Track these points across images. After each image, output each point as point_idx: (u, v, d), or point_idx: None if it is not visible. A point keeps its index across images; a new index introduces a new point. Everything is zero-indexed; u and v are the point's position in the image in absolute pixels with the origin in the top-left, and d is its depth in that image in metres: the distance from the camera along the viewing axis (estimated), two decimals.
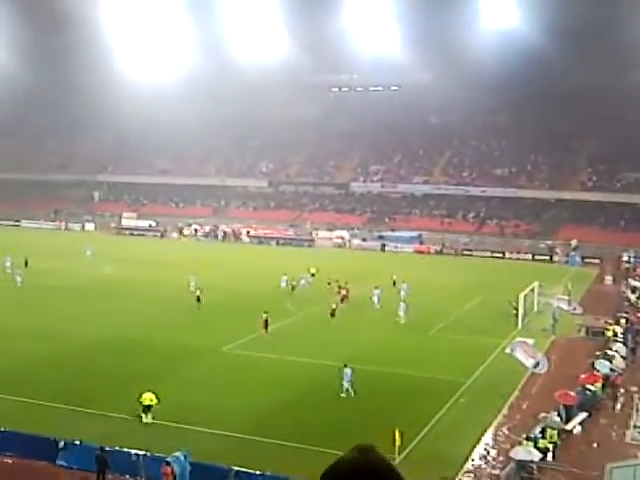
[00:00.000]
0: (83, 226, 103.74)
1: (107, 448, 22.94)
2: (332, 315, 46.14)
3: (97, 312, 46.38)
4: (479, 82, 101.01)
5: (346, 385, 31.13)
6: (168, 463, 21.96)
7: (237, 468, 22.26)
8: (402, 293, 52.44)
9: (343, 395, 31.09)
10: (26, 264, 61.55)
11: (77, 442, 23.91)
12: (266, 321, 41.75)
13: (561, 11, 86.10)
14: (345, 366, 31.57)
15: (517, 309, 46.67)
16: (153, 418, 27.63)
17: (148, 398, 27.65)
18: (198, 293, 49.16)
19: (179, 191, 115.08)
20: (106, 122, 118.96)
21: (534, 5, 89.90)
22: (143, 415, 27.51)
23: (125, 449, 23.42)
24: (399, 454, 24.54)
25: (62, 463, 23.66)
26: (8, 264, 60.62)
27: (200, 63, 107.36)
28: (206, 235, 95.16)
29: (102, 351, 37.04)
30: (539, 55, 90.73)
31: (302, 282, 54.80)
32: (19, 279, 54.18)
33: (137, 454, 23.14)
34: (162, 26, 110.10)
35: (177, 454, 22.36)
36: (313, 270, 60.59)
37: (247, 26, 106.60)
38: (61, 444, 23.84)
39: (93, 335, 40.02)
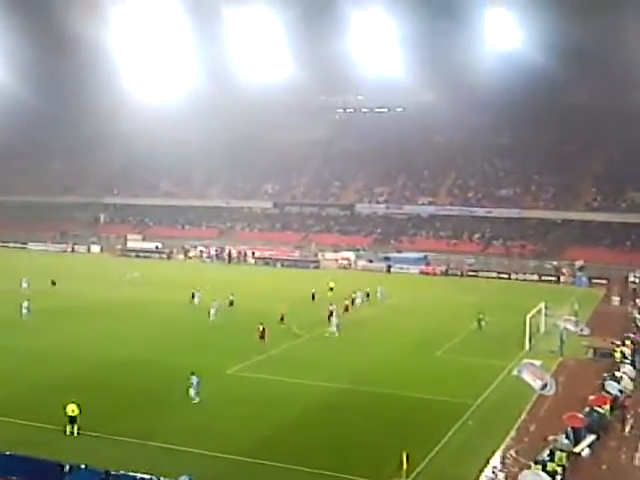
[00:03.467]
0: (89, 248, 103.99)
1: (112, 472, 22.75)
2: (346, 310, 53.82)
3: (104, 333, 46.45)
4: (483, 103, 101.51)
5: (193, 392, 32.25)
6: None
7: None
8: (378, 295, 62.45)
9: (195, 402, 32.01)
10: (53, 284, 64.07)
11: (82, 466, 23.72)
12: (262, 331, 43.12)
13: (564, 32, 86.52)
14: (192, 374, 32.61)
15: (481, 322, 49.88)
16: (79, 429, 27.59)
17: (70, 409, 27.63)
18: (231, 297, 55.62)
19: (184, 213, 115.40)
20: (112, 145, 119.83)
21: (537, 26, 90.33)
22: (68, 427, 27.57)
23: (130, 473, 23.22)
24: (407, 477, 24.33)
25: None
26: (25, 285, 61.36)
27: (205, 85, 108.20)
28: (211, 257, 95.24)
29: (108, 373, 36.87)
30: (543, 75, 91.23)
31: (213, 310, 52.20)
32: (25, 312, 50.55)
33: (142, 478, 22.93)
34: (168, 48, 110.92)
35: (182, 478, 22.17)
36: (332, 284, 64.15)
37: (252, 48, 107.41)
38: (66, 468, 23.63)
39: (99, 357, 39.98)
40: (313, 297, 60.65)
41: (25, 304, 51.26)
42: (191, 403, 32.48)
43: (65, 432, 27.68)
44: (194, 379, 32.57)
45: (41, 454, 24.67)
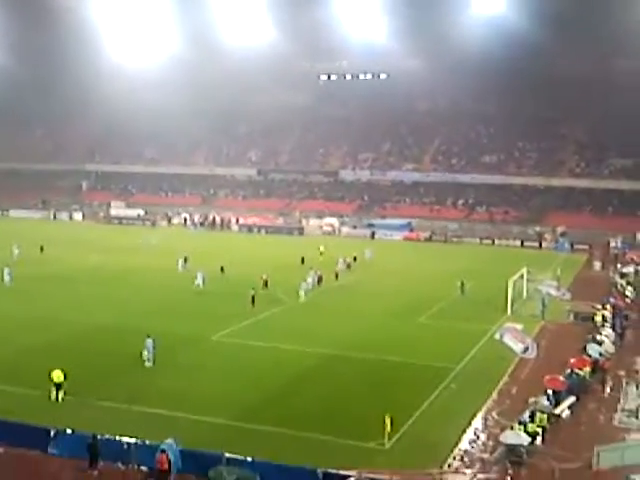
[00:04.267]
0: (71, 215, 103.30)
1: (99, 436, 22.94)
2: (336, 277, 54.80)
3: (91, 300, 46.48)
4: (467, 69, 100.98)
5: (147, 355, 32.67)
6: (164, 451, 21.92)
7: (228, 455, 22.30)
8: (367, 255, 66.25)
9: (148, 364, 32.47)
10: (42, 250, 64.96)
11: (69, 431, 23.89)
12: (253, 297, 44.62)
13: None
14: (148, 337, 33.04)
15: (464, 287, 50.58)
16: (64, 394, 27.82)
17: (56, 375, 27.85)
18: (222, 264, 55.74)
19: (168, 180, 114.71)
20: (93, 111, 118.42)
21: None
22: (53, 393, 27.79)
23: (117, 437, 23.43)
24: (389, 439, 24.70)
25: (53, 452, 23.63)
26: (16, 251, 61.98)
27: (187, 51, 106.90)
28: (195, 224, 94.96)
29: (94, 339, 36.94)
30: (527, 42, 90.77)
31: (199, 279, 50.62)
32: (7, 278, 50.83)
33: (129, 442, 23.14)
34: (149, 14, 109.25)
35: (167, 441, 22.36)
36: (322, 248, 65.69)
37: (235, 13, 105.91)
38: (52, 433, 23.81)
39: (84, 323, 40.00)
40: (302, 261, 61.29)
41: (7, 270, 51.35)
42: (177, 368, 32.75)
43: (50, 398, 27.80)
44: (149, 342, 32.78)
45: (26, 420, 24.78)
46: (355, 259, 63.23)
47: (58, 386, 27.90)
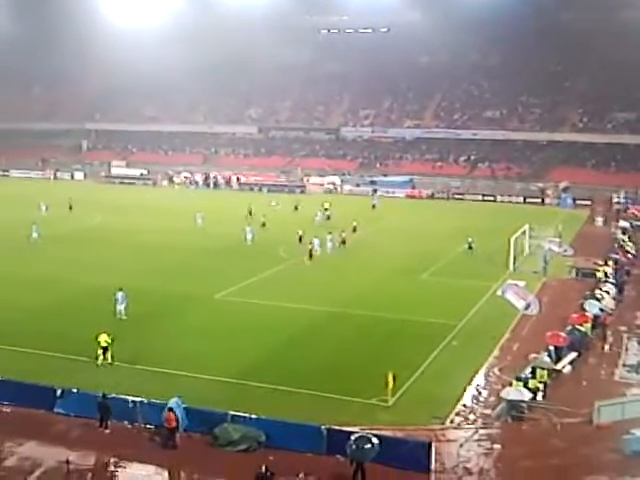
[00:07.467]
0: (72, 175, 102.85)
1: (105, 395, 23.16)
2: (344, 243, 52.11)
3: (94, 260, 46.41)
4: (469, 22, 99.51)
5: (119, 308, 33.33)
6: (171, 409, 22.12)
7: (233, 412, 22.53)
8: (376, 202, 73.42)
9: (119, 317, 33.17)
10: (70, 208, 66.22)
11: (75, 390, 24.12)
12: (310, 250, 47.07)
13: None
14: (120, 290, 33.68)
15: (471, 245, 50.79)
16: (112, 358, 28.16)
17: (104, 340, 28.26)
18: (263, 219, 58.45)
19: (168, 138, 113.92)
20: (91, 69, 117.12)
21: None
22: (101, 357, 28.21)
23: (122, 396, 23.64)
24: (392, 396, 24.93)
25: (60, 411, 23.89)
26: (43, 208, 64.18)
27: (185, 7, 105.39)
28: (196, 183, 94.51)
29: (97, 299, 36.86)
30: None
31: (250, 235, 52.62)
32: (35, 235, 51.90)
33: (134, 401, 23.36)
34: None
35: (173, 400, 22.57)
36: (327, 205, 66.22)
37: None
38: (58, 392, 24.04)
39: (89, 284, 39.93)
40: (296, 208, 68.03)
41: (34, 227, 52.60)
42: (180, 328, 32.95)
43: (97, 360, 28.12)
44: (119, 295, 33.31)
45: (40, 381, 24.96)
46: (374, 206, 71.84)
47: (105, 349, 28.25)
